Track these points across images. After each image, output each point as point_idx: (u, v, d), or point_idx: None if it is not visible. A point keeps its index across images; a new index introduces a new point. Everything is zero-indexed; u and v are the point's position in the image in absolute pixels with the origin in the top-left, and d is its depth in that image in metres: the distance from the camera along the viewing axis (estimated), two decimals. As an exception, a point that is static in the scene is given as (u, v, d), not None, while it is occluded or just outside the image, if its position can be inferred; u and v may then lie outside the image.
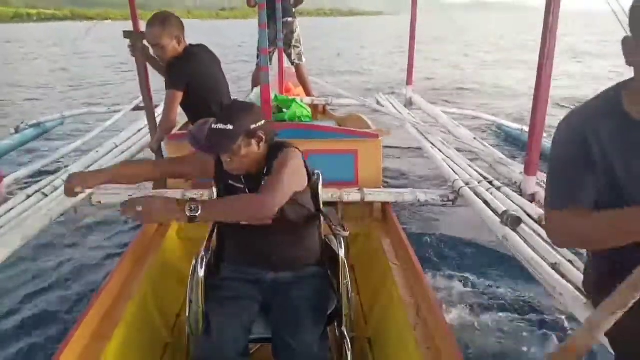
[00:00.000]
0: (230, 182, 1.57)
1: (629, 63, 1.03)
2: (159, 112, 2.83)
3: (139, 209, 1.22)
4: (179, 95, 2.37)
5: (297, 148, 1.55)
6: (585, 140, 1.05)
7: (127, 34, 2.48)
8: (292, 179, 1.44)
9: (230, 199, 1.43)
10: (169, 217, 1.26)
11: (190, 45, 2.46)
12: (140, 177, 1.72)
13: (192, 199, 1.27)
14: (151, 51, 2.49)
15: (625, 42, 1.02)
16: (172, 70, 2.38)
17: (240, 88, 6.92)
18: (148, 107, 2.69)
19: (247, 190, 1.53)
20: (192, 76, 2.37)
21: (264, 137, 1.46)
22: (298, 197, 1.51)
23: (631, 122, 1.04)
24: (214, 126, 1.43)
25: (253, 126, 1.43)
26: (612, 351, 1.18)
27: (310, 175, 1.59)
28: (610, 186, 1.07)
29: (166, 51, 2.34)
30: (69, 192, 1.51)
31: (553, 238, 1.15)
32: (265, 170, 1.49)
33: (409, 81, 4.71)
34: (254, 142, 1.45)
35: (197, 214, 1.24)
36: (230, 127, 1.40)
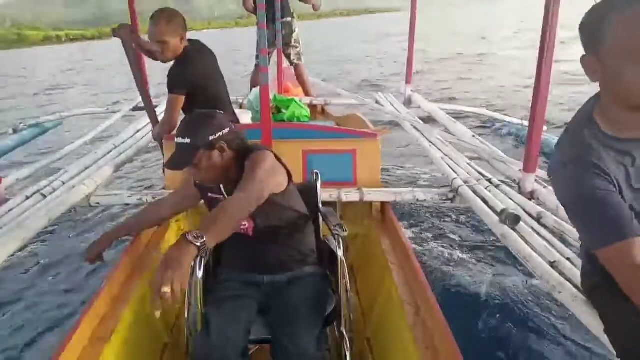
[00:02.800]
0: (210, 194, 1.56)
1: (593, 80, 1.01)
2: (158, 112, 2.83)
3: (167, 289, 1.02)
4: (182, 99, 2.35)
5: (267, 149, 1.52)
6: (596, 168, 1.00)
7: (115, 32, 2.41)
8: (265, 179, 1.39)
9: (220, 212, 1.26)
10: (191, 261, 1.10)
11: (189, 41, 2.41)
12: (151, 222, 1.81)
13: (189, 232, 1.12)
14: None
15: (582, 61, 1.01)
16: (174, 75, 2.35)
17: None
18: (146, 101, 2.64)
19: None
20: (192, 78, 2.34)
21: (225, 146, 1.43)
22: (280, 201, 1.50)
23: (613, 139, 1.03)
24: (176, 140, 1.43)
25: (212, 137, 1.40)
26: (613, 351, 1.18)
27: (289, 174, 1.56)
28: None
29: (169, 48, 2.30)
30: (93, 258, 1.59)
31: (619, 276, 1.01)
32: (239, 177, 1.44)
33: (408, 80, 4.71)
34: (215, 153, 1.42)
35: (205, 244, 1.12)
36: (187, 140, 1.39)
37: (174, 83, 2.34)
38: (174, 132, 2.59)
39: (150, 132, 3.26)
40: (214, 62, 2.52)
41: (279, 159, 1.53)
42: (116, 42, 2.43)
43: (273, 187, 1.46)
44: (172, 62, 2.39)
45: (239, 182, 1.42)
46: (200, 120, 1.45)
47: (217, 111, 1.57)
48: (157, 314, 1.04)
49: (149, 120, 3.47)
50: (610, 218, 0.99)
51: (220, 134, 1.42)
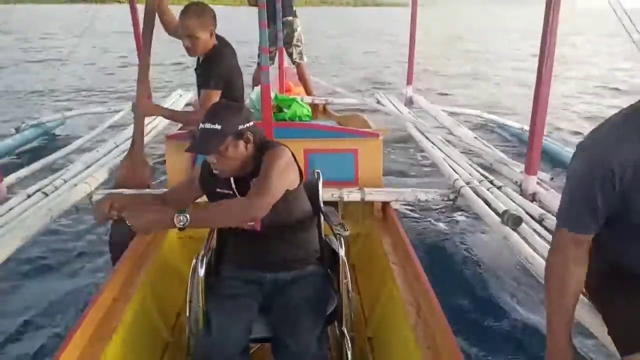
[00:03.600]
0: (218, 189, 1.55)
1: None
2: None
3: (129, 223, 1.26)
4: (218, 94, 2.32)
5: (285, 146, 1.53)
6: (605, 181, 1.02)
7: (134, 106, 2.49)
8: (282, 178, 1.43)
9: (218, 205, 1.41)
10: (158, 229, 1.30)
11: (218, 39, 2.41)
12: None
13: (179, 210, 1.27)
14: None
15: None
16: (211, 71, 2.34)
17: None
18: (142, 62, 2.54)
19: (236, 195, 1.51)
20: (226, 76, 2.35)
21: (251, 138, 1.45)
22: (291, 198, 1.50)
23: None
24: (201, 126, 1.42)
25: (241, 127, 1.42)
26: (616, 352, 1.17)
27: (301, 172, 1.57)
28: (624, 219, 1.06)
29: (199, 43, 2.28)
30: (101, 217, 1.49)
31: (551, 255, 1.17)
32: (253, 171, 1.47)
33: (409, 80, 4.71)
34: (241, 143, 1.44)
35: (185, 225, 1.26)
36: (218, 127, 1.40)
37: (211, 79, 2.32)
38: (174, 132, 2.61)
39: (153, 131, 3.27)
40: (236, 57, 2.52)
41: (293, 156, 1.54)
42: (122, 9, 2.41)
43: (287, 185, 1.47)
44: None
45: (252, 175, 1.46)
46: (231, 109, 1.47)
47: (243, 104, 1.57)
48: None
49: (150, 120, 3.46)
50: (580, 211, 1.08)
51: (248, 124, 1.44)
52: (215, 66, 2.32)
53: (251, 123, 1.46)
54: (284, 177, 1.44)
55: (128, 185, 2.49)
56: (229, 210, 1.36)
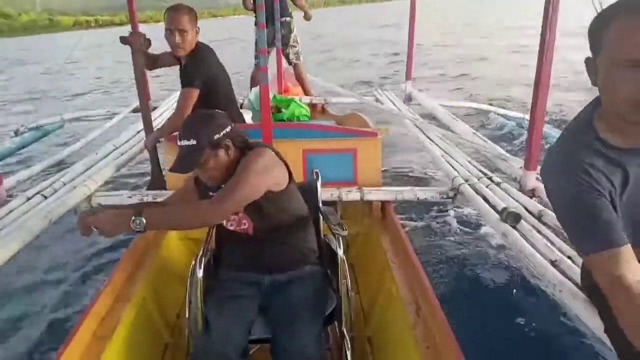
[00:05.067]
0: (210, 193, 1.55)
1: (593, 83, 1.00)
2: (155, 115, 2.83)
3: (95, 229, 1.30)
4: (196, 93, 2.33)
5: (267, 146, 1.52)
6: (588, 175, 0.99)
7: (124, 40, 2.44)
8: (258, 178, 1.40)
9: (176, 208, 1.44)
10: (120, 232, 1.30)
11: (198, 42, 2.43)
12: None
13: (136, 212, 1.28)
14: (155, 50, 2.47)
15: (587, 62, 1.01)
16: (189, 69, 2.35)
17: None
18: (144, 108, 2.68)
19: None
20: (207, 76, 2.35)
21: (230, 144, 1.44)
22: (282, 199, 1.50)
23: (609, 147, 1.01)
24: (179, 143, 1.42)
25: (217, 136, 1.41)
26: (613, 349, 1.17)
27: (290, 172, 1.56)
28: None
29: (186, 39, 2.30)
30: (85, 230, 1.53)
31: (611, 296, 1.01)
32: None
33: (408, 76, 4.69)
34: (221, 152, 1.42)
35: (142, 229, 1.28)
36: (193, 142, 1.39)
37: (190, 77, 2.33)
38: (175, 133, 2.61)
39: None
40: (219, 62, 2.53)
41: (280, 157, 1.53)
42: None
43: (269, 185, 1.46)
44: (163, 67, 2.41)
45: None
46: (202, 120, 1.45)
47: (217, 110, 1.56)
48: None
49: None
50: (596, 225, 0.98)
51: (224, 132, 1.43)
52: (196, 65, 2.34)
53: (228, 129, 1.44)
54: (261, 178, 1.42)
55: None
56: (184, 214, 1.37)
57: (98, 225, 1.30)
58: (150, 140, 2.60)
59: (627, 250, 0.97)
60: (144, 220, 1.27)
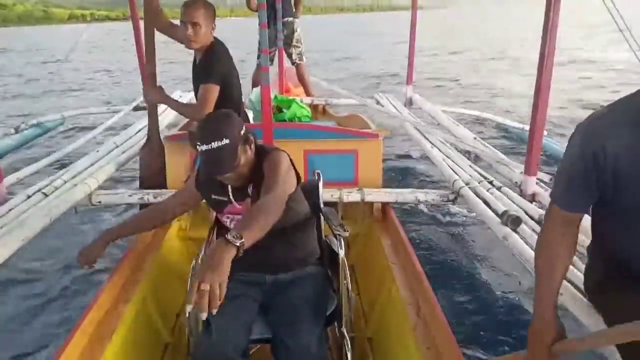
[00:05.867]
0: (214, 196, 1.54)
1: None
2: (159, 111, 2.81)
3: (206, 287, 1.06)
4: (217, 89, 2.27)
5: (283, 150, 1.52)
6: (598, 157, 1.03)
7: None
8: (286, 180, 1.41)
9: (259, 213, 1.25)
10: (230, 262, 1.12)
11: (215, 38, 2.39)
12: (154, 225, 1.76)
13: (230, 232, 1.13)
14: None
15: None
16: (210, 65, 2.31)
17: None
18: (150, 64, 2.51)
19: (233, 201, 1.50)
20: (225, 74, 2.32)
21: (253, 138, 1.43)
22: (290, 201, 1.47)
23: None
24: (206, 147, 1.33)
25: (242, 131, 1.40)
26: (614, 351, 1.18)
27: (298, 175, 1.56)
28: (626, 203, 1.07)
29: (199, 33, 2.24)
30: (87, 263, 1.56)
31: (542, 232, 1.22)
32: (250, 177, 1.45)
33: (408, 80, 4.71)
34: (248, 147, 1.42)
35: (244, 243, 1.13)
36: (227, 141, 1.34)
37: (211, 73, 2.28)
38: (177, 131, 2.61)
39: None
40: (233, 61, 2.51)
41: (290, 159, 1.53)
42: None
43: (290, 187, 1.46)
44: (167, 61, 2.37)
45: (250, 181, 1.44)
46: (225, 119, 1.41)
47: (229, 110, 1.55)
48: (188, 307, 1.08)
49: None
50: (570, 179, 1.12)
51: (245, 127, 1.42)
52: (215, 62, 2.30)
53: (245, 127, 1.43)
54: (287, 179, 1.43)
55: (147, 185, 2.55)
56: (269, 214, 1.25)
57: (211, 280, 1.08)
58: (154, 95, 2.47)
59: (575, 216, 1.14)
60: (244, 241, 1.12)
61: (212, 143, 1.33)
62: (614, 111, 1.07)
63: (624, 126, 1.03)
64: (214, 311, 1.06)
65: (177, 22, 2.38)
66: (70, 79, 12.47)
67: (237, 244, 1.10)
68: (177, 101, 2.59)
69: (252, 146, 1.43)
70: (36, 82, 12.19)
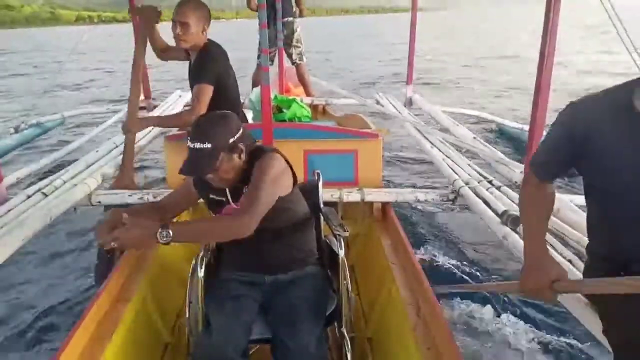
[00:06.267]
0: (212, 196, 1.53)
1: None
2: (154, 114, 2.81)
3: (113, 244, 1.20)
4: (211, 89, 2.28)
5: (276, 150, 1.51)
6: (580, 136, 1.11)
7: (137, 10, 2.44)
8: (273, 188, 1.39)
9: (202, 222, 1.35)
10: (145, 247, 1.23)
11: (208, 40, 2.39)
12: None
13: (163, 225, 1.22)
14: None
15: None
16: (203, 65, 2.31)
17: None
18: (135, 89, 2.54)
19: (230, 202, 1.50)
20: (218, 75, 2.31)
21: (244, 148, 1.41)
22: (286, 203, 1.48)
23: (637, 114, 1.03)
24: (191, 145, 1.36)
25: (232, 139, 1.37)
26: (611, 351, 1.18)
27: (295, 176, 1.55)
28: (604, 185, 1.12)
29: (187, 31, 2.24)
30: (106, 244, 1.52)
31: (522, 189, 1.34)
32: (246, 177, 1.44)
33: (408, 81, 4.72)
34: (235, 156, 1.39)
35: (168, 241, 1.22)
36: (208, 145, 1.33)
37: (205, 73, 2.28)
38: (177, 131, 2.61)
39: (150, 130, 3.26)
40: (229, 61, 2.51)
41: (286, 160, 1.52)
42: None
43: (280, 192, 1.44)
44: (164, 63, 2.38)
45: (244, 183, 1.43)
46: (217, 123, 1.40)
47: (229, 112, 1.54)
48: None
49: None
50: (548, 151, 1.24)
51: (238, 135, 1.39)
52: (208, 62, 2.30)
53: (241, 132, 1.41)
54: (276, 186, 1.40)
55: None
56: (214, 229, 1.32)
57: (123, 242, 1.21)
58: (137, 125, 2.48)
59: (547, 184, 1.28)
60: (171, 233, 1.21)
61: (196, 143, 1.35)
62: (607, 94, 1.12)
63: (611, 110, 1.08)
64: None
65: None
66: (72, 79, 12.48)
67: (161, 242, 1.22)
68: (160, 117, 2.59)
69: (242, 155, 1.42)
70: (41, 80, 12.20)
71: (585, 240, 1.58)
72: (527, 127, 2.36)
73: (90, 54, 18.96)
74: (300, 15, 4.71)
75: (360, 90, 8.57)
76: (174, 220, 1.59)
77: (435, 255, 2.88)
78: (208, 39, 2.37)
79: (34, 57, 18.55)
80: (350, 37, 27.50)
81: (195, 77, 2.31)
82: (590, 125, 1.10)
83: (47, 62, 17.45)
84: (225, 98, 2.34)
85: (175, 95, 5.06)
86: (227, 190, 1.49)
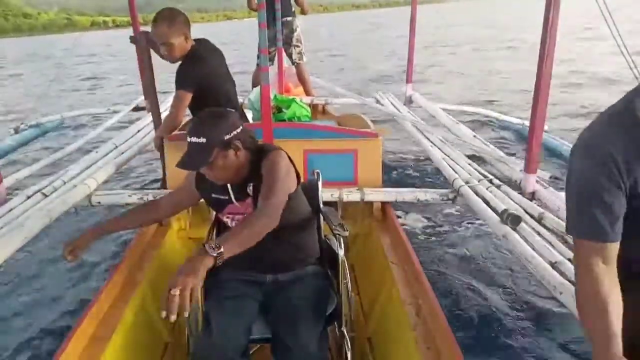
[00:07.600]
0: (214, 195, 1.54)
1: None
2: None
3: (176, 292, 1.09)
4: (188, 96, 2.35)
5: (280, 148, 1.52)
6: (610, 166, 0.97)
7: (133, 39, 2.58)
8: (287, 179, 1.42)
9: (242, 229, 1.28)
10: (205, 271, 1.15)
11: (196, 41, 2.42)
12: (148, 221, 1.79)
13: (207, 243, 1.17)
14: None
15: None
16: (182, 71, 2.35)
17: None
18: (153, 105, 2.69)
19: (233, 201, 1.51)
20: (201, 78, 2.34)
21: (240, 145, 1.42)
22: (290, 201, 1.48)
23: None
24: (188, 139, 1.40)
25: (227, 136, 1.39)
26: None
27: (298, 174, 1.56)
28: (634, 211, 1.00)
29: (174, 49, 2.30)
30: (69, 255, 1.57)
31: (579, 276, 1.05)
32: (249, 176, 1.46)
33: (408, 79, 4.71)
34: (230, 152, 1.41)
35: (222, 254, 1.16)
36: (202, 140, 1.36)
37: (182, 79, 2.34)
38: (177, 131, 2.61)
39: (152, 131, 3.28)
40: (222, 62, 2.52)
41: (289, 158, 1.53)
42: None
43: (290, 188, 1.46)
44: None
45: (248, 180, 1.45)
46: (214, 119, 1.43)
47: (229, 109, 1.55)
48: (163, 314, 1.08)
49: (149, 120, 3.49)
50: (594, 215, 0.99)
51: (235, 132, 1.41)
52: (187, 68, 2.34)
53: (239, 129, 1.42)
54: (287, 181, 1.44)
55: None
56: (253, 231, 1.28)
57: (184, 284, 1.11)
58: (156, 140, 2.62)
59: (612, 247, 1.00)
60: (223, 251, 1.16)
61: (193, 137, 1.39)
62: (603, 121, 1.04)
63: (619, 132, 0.99)
64: (186, 313, 1.09)
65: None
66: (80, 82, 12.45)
67: (214, 255, 1.14)
68: (160, 129, 2.64)
69: (239, 152, 1.43)
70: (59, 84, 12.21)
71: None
72: (527, 123, 2.35)
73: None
74: (302, 13, 4.70)
75: (370, 85, 8.51)
76: (174, 220, 1.59)
77: (434, 255, 2.88)
78: (195, 40, 2.40)
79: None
80: (362, 33, 27.35)
81: (176, 83, 2.38)
82: (614, 149, 0.97)
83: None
84: (214, 99, 2.37)
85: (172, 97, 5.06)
86: (230, 189, 1.50)
